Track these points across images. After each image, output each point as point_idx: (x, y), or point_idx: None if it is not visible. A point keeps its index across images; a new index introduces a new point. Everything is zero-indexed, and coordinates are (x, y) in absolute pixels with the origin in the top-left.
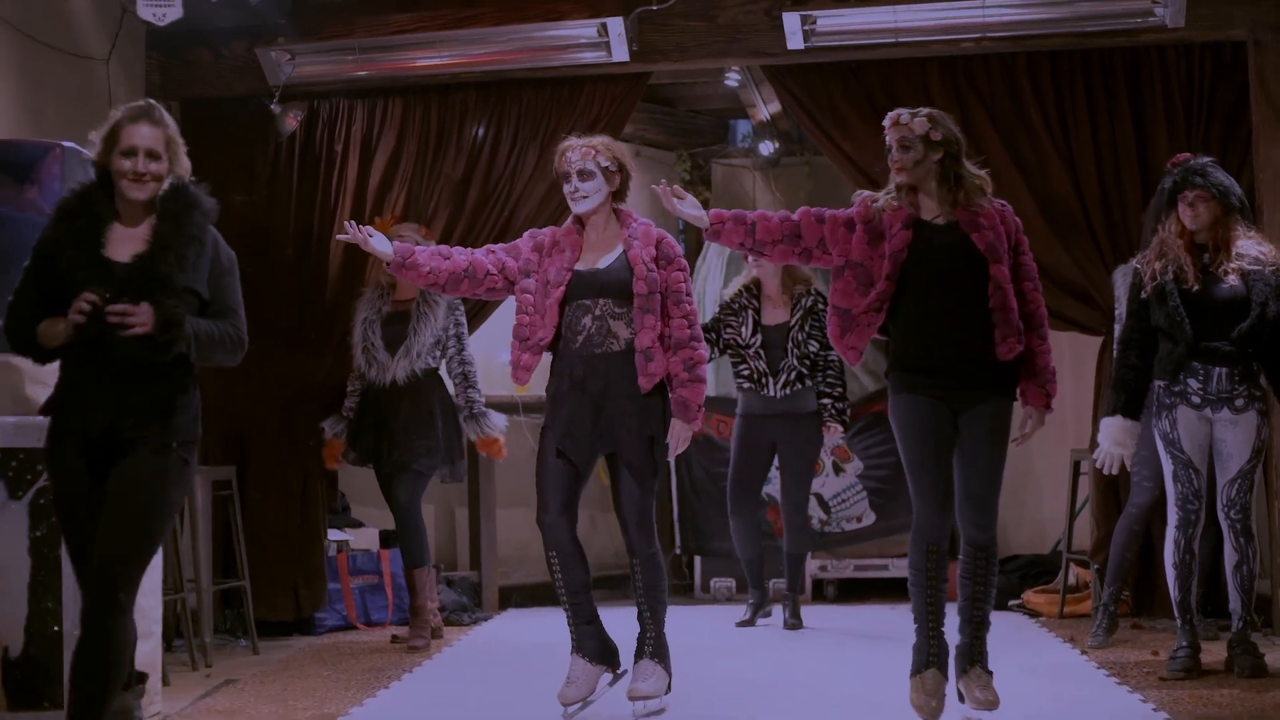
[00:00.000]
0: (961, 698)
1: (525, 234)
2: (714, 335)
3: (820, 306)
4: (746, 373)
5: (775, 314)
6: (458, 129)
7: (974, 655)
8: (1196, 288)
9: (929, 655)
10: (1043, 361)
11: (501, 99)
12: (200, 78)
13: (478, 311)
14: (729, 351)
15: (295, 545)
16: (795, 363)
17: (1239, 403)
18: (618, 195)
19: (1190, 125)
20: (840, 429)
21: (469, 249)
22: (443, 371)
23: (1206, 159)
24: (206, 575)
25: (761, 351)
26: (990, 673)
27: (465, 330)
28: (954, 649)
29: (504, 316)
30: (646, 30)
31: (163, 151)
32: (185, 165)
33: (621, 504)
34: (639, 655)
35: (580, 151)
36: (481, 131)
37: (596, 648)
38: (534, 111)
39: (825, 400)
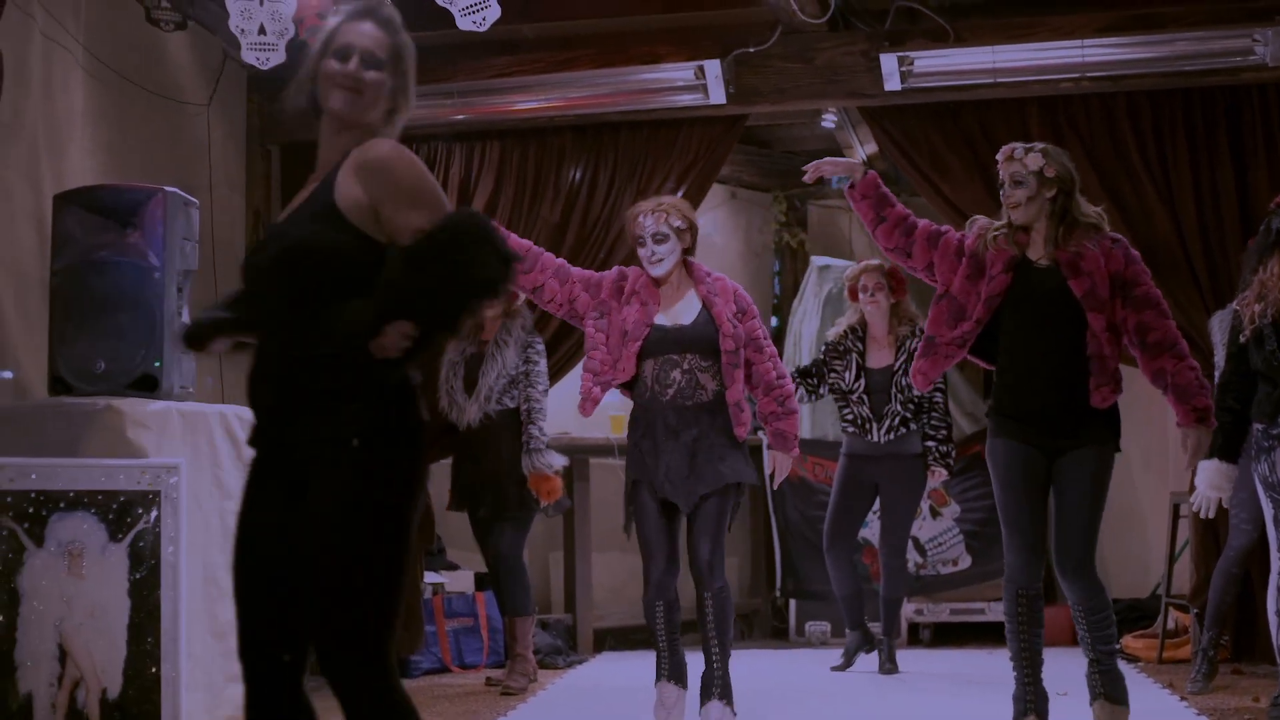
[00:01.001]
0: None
1: (616, 269)
2: (815, 380)
3: None
4: (850, 417)
5: (880, 356)
6: (555, 172)
7: (1095, 688)
8: None
9: (1026, 703)
10: (1183, 379)
11: (598, 141)
12: (300, 122)
13: (569, 361)
14: (833, 394)
15: None
16: (899, 407)
17: None
18: (688, 251)
19: None
20: (945, 473)
21: (565, 262)
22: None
23: None
24: None
25: (865, 397)
26: (1119, 704)
27: (539, 368)
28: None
29: None
30: (743, 72)
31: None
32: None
33: (698, 542)
34: (707, 696)
35: (654, 216)
36: (578, 174)
37: (682, 673)
38: (630, 154)
39: (930, 443)
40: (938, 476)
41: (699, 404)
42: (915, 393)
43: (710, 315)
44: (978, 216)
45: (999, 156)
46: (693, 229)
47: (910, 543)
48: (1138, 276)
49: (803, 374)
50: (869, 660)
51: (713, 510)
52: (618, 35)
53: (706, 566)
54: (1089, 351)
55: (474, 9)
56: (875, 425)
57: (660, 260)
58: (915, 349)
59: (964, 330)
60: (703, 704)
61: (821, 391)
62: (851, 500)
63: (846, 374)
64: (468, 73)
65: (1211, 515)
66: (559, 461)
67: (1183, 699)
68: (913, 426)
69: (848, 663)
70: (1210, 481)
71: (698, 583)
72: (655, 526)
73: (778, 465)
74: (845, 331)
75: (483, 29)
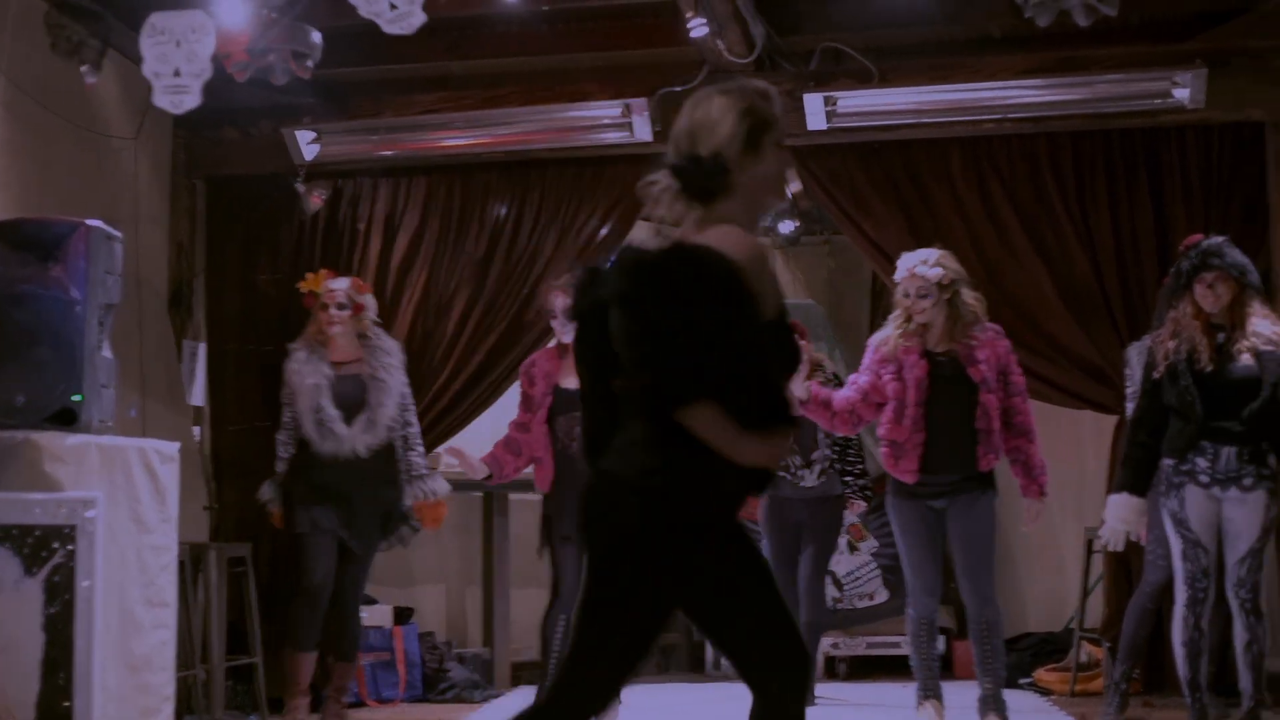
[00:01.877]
0: None
1: (521, 377)
2: None
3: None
4: (781, 464)
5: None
6: (480, 208)
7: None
8: (1210, 368)
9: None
10: (1034, 460)
11: (525, 178)
12: (226, 156)
13: (498, 383)
14: None
15: None
16: (827, 451)
17: (1247, 481)
18: None
19: (1209, 206)
20: (864, 504)
21: (517, 435)
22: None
23: (1220, 239)
24: (218, 651)
25: (794, 444)
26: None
27: (409, 392)
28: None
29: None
30: (670, 111)
31: None
32: None
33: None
34: None
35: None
36: (504, 211)
37: None
38: (557, 191)
39: (849, 478)
40: (856, 508)
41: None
42: (838, 435)
43: None
44: (871, 339)
45: (902, 271)
46: None
47: (829, 577)
48: (1010, 366)
49: None
50: None
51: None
52: (546, 73)
53: None
54: (978, 426)
55: (398, 14)
56: (806, 471)
57: (569, 330)
58: None
59: (912, 418)
60: None
61: None
62: (785, 541)
63: None
64: (395, 109)
65: (1120, 549)
66: (444, 489)
67: None
68: (838, 468)
69: None
70: (1119, 515)
71: None
72: (564, 557)
73: None
74: None
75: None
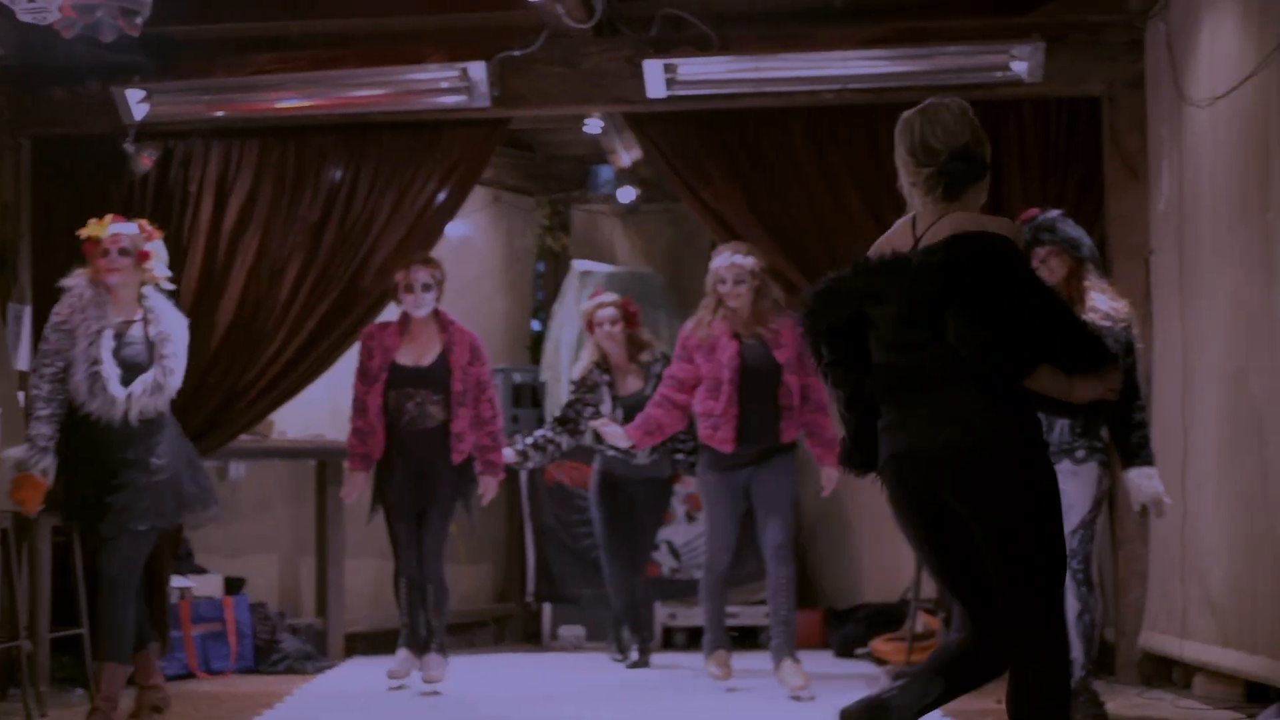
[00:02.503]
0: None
1: (361, 345)
2: (573, 423)
3: None
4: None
5: (628, 384)
6: (315, 171)
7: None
8: None
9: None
10: (829, 433)
11: (361, 142)
12: (53, 115)
13: (332, 349)
14: (579, 423)
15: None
16: None
17: (1079, 454)
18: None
19: (1045, 179)
20: (693, 479)
21: (372, 413)
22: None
23: (1055, 213)
24: (44, 622)
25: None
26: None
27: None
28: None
29: (356, 356)
30: (508, 76)
31: None
32: None
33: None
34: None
35: (428, 272)
36: (339, 174)
37: (419, 642)
38: (393, 155)
39: (679, 455)
40: (686, 484)
41: (425, 430)
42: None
43: (447, 359)
44: (685, 325)
45: (722, 260)
46: (444, 284)
47: (666, 546)
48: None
49: (561, 421)
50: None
51: (439, 517)
52: (383, 35)
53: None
54: (782, 403)
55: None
56: (640, 450)
57: (423, 305)
58: (660, 372)
59: (727, 396)
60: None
61: (582, 428)
62: (617, 519)
63: (603, 406)
64: (227, 68)
65: None
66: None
67: None
68: (668, 446)
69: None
70: None
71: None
72: (397, 524)
73: (488, 489)
74: (591, 366)
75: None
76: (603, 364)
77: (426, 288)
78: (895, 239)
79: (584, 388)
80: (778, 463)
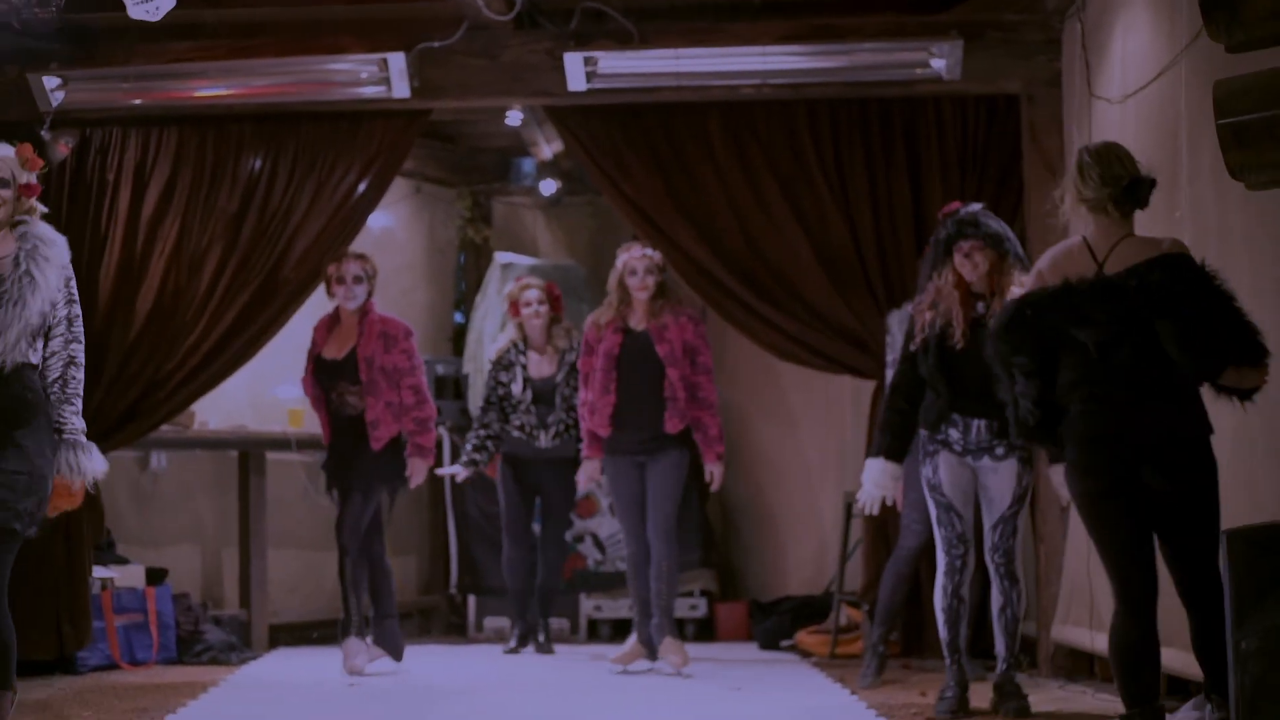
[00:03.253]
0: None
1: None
2: (497, 404)
3: None
4: (518, 423)
5: (542, 367)
6: (234, 161)
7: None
8: (961, 344)
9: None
10: (714, 430)
11: (279, 132)
12: (7, 101)
13: (253, 340)
14: (503, 404)
15: (59, 582)
16: (564, 414)
17: (999, 451)
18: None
19: (964, 176)
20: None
21: (310, 401)
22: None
23: (977, 206)
24: None
25: (532, 406)
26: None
27: (79, 315)
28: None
29: (277, 346)
30: (428, 67)
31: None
32: None
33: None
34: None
35: (359, 265)
36: (258, 164)
37: (362, 627)
38: (312, 146)
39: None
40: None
41: (347, 418)
42: (577, 400)
43: (355, 351)
44: (585, 324)
45: (635, 253)
46: (375, 278)
47: (590, 539)
48: (700, 348)
49: (486, 406)
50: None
51: (356, 501)
52: (301, 24)
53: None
54: (665, 395)
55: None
56: (542, 432)
57: (354, 298)
58: (573, 361)
59: (600, 383)
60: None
61: (496, 405)
62: (522, 502)
63: (514, 385)
64: (145, 56)
65: (875, 512)
66: (98, 466)
67: (853, 693)
68: (574, 433)
69: (520, 646)
70: (875, 479)
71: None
72: (346, 506)
73: (415, 471)
74: (509, 345)
75: (155, 18)
76: (520, 345)
77: (358, 280)
78: (1076, 262)
79: (499, 366)
80: (665, 452)
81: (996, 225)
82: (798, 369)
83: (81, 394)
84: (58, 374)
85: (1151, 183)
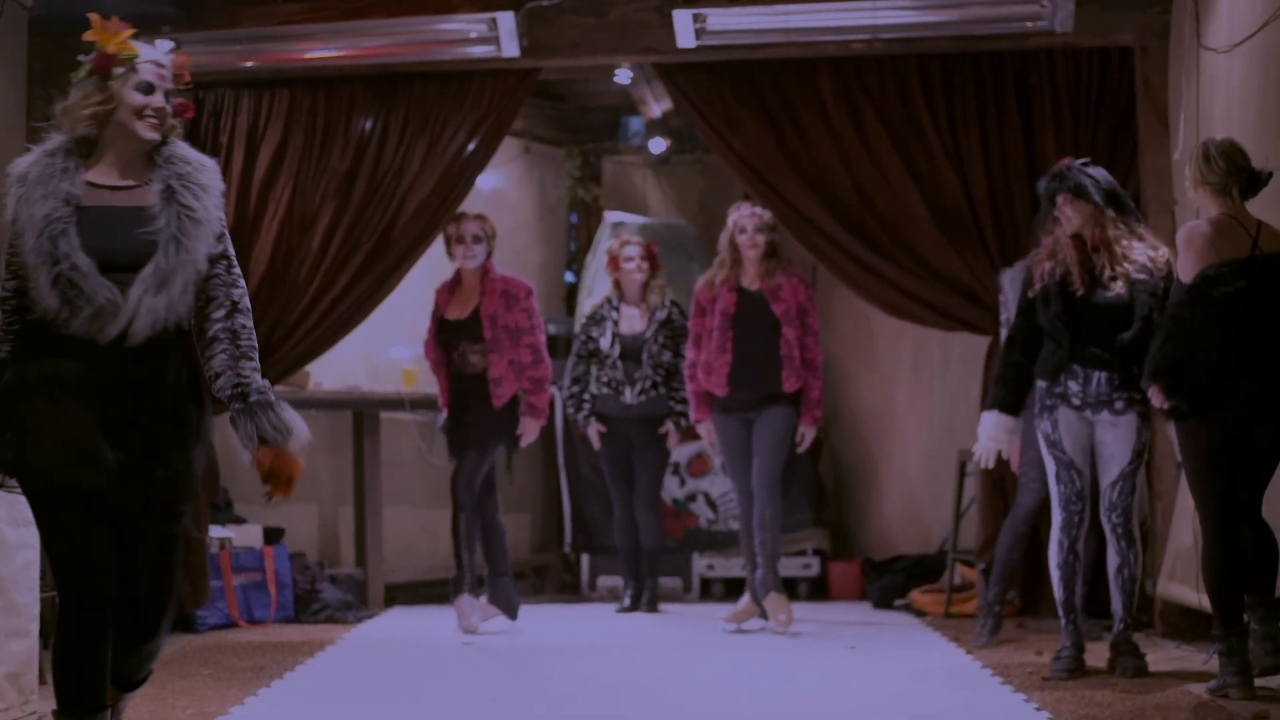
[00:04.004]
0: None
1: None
2: (590, 356)
3: (675, 318)
4: (605, 379)
5: (633, 323)
6: (345, 122)
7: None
8: (1081, 291)
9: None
10: (815, 393)
11: (390, 92)
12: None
13: (366, 300)
14: (592, 360)
15: None
16: (650, 372)
17: (1119, 405)
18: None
19: (1078, 129)
20: (676, 433)
21: (431, 363)
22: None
23: (1079, 161)
24: None
25: (619, 362)
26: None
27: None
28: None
29: (390, 307)
30: (537, 26)
31: None
32: None
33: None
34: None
35: (478, 224)
36: (369, 125)
37: (476, 584)
38: (422, 105)
39: (672, 402)
40: (673, 438)
41: (468, 376)
42: (665, 358)
43: (478, 310)
44: (697, 285)
45: (742, 212)
46: (495, 238)
47: (702, 498)
48: (810, 310)
49: (580, 358)
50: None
51: (471, 458)
52: None
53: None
54: (781, 353)
55: None
56: (628, 388)
57: (474, 257)
58: (664, 319)
59: (716, 343)
60: None
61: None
62: (615, 457)
63: (603, 340)
64: (255, 19)
65: (991, 465)
66: (301, 428)
67: (968, 653)
68: (662, 390)
69: (633, 606)
70: (989, 433)
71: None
72: (461, 466)
73: (527, 430)
74: (603, 300)
75: None
76: (614, 300)
77: (477, 239)
78: (1235, 239)
79: (591, 320)
80: (774, 409)
81: (1085, 178)
82: (900, 325)
83: (256, 345)
84: (224, 325)
85: (1269, 176)
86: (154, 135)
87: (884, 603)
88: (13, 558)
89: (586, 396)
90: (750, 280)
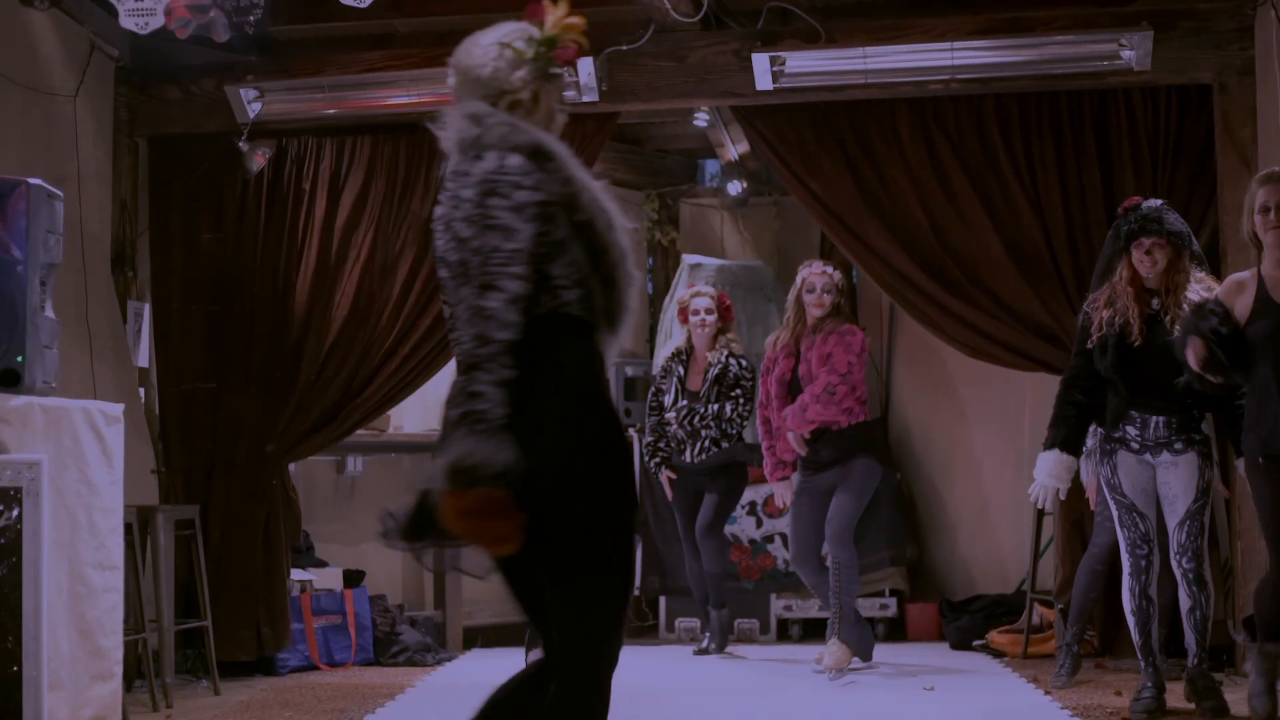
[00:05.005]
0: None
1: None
2: (659, 409)
3: (732, 371)
4: (670, 434)
5: (695, 379)
6: (426, 167)
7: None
8: (1139, 341)
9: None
10: (807, 398)
11: None
12: (169, 114)
13: (445, 345)
14: (661, 412)
15: (258, 584)
16: (712, 430)
17: (1178, 446)
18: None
19: (1156, 167)
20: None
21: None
22: None
23: (1159, 202)
24: (168, 615)
25: (684, 420)
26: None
27: None
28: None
29: None
30: (616, 70)
31: None
32: None
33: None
34: None
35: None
36: None
37: None
38: None
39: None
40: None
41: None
42: (725, 411)
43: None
44: (770, 338)
45: (814, 270)
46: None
47: (779, 539)
48: (836, 353)
49: (651, 410)
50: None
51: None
52: None
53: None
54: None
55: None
56: (689, 447)
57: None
58: (717, 374)
59: (777, 409)
60: None
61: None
62: (685, 509)
63: (666, 397)
64: (339, 66)
65: (1046, 506)
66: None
67: (1047, 694)
68: (724, 445)
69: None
70: (1051, 471)
71: None
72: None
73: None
74: (674, 353)
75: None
76: (682, 354)
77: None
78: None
79: (662, 373)
80: (855, 461)
81: (1178, 223)
82: (975, 366)
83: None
84: None
85: None
86: None
87: (962, 643)
88: (98, 601)
89: (661, 444)
90: (806, 340)
